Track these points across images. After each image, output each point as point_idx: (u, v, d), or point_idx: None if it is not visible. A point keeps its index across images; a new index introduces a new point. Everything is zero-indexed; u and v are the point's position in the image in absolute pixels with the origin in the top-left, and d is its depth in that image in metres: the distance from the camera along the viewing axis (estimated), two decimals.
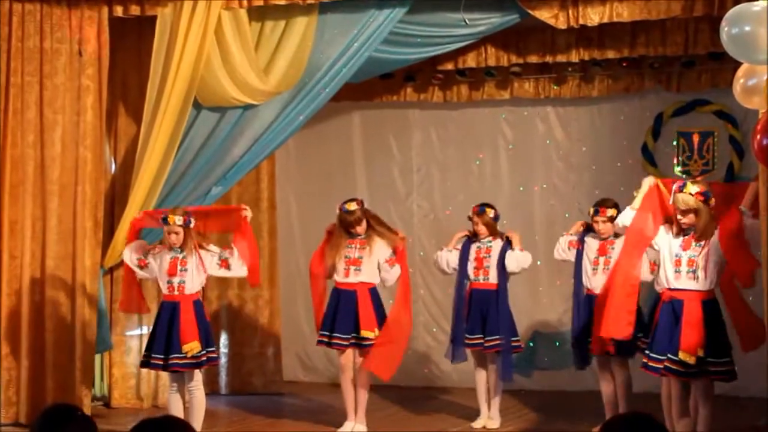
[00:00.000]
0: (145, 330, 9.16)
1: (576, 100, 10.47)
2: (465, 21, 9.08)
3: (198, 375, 7.73)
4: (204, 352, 7.63)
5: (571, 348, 8.33)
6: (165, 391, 8.81)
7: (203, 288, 8.11)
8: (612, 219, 7.92)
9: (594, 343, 7.83)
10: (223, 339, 10.23)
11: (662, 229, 7.07)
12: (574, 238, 8.22)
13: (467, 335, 8.53)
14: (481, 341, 8.47)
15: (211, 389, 9.72)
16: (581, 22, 8.79)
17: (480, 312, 8.48)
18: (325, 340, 8.40)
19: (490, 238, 8.54)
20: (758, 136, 6.34)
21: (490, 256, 8.51)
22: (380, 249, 8.36)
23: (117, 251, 9.10)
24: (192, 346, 7.56)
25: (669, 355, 6.83)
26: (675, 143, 10.24)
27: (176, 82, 8.72)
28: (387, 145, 11.02)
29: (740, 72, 6.60)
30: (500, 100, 10.62)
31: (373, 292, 8.40)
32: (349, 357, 8.40)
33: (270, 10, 8.90)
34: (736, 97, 6.72)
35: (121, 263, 9.32)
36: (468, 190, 10.63)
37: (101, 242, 9.06)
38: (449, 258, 8.65)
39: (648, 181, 7.17)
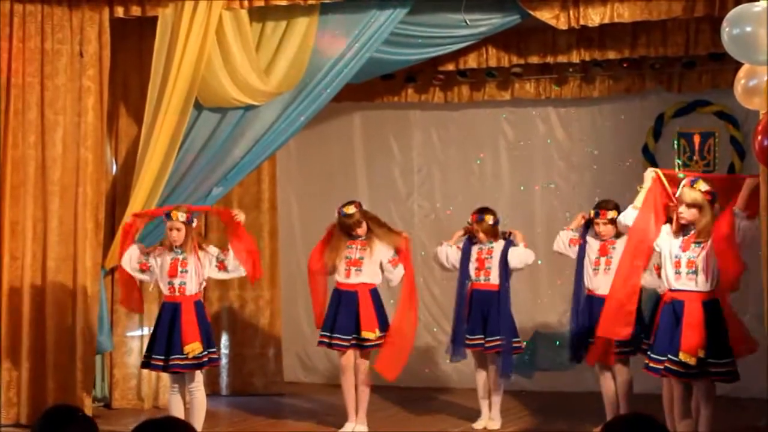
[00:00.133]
0: (146, 331, 9.16)
1: (577, 101, 10.48)
2: (466, 22, 9.08)
3: (199, 376, 7.73)
4: (206, 352, 7.63)
5: (569, 349, 8.34)
6: (166, 392, 8.81)
7: (204, 289, 8.09)
8: (613, 221, 7.92)
9: (596, 349, 7.82)
10: (224, 340, 10.23)
11: (664, 229, 7.06)
12: (576, 234, 8.22)
13: (468, 335, 8.53)
14: (482, 341, 8.47)
15: (212, 390, 9.72)
16: (582, 22, 8.79)
17: (481, 312, 8.49)
18: (326, 340, 8.40)
19: (492, 239, 8.54)
20: (759, 137, 6.34)
21: (491, 257, 8.51)
22: (381, 249, 8.37)
23: (118, 252, 9.10)
24: (193, 347, 7.55)
25: (670, 356, 6.82)
26: (676, 144, 10.24)
27: (177, 82, 8.73)
28: (388, 146, 11.03)
29: (741, 73, 6.60)
30: (501, 100, 10.63)
31: (374, 293, 8.40)
32: (350, 358, 8.40)
33: (271, 11, 8.90)
34: (737, 98, 6.72)
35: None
36: (469, 190, 10.64)
37: (102, 243, 9.06)
38: (449, 253, 8.65)
39: (650, 174, 7.14)
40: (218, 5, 8.69)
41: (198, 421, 7.65)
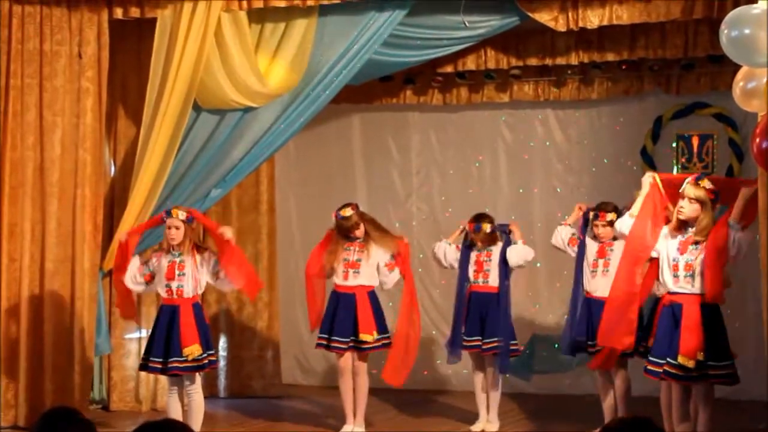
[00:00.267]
0: (144, 333, 9.15)
1: (575, 103, 10.48)
2: (464, 23, 9.09)
3: (197, 378, 7.71)
4: (205, 355, 7.62)
5: (562, 340, 8.34)
6: (164, 394, 8.80)
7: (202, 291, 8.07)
8: (611, 223, 7.92)
9: (600, 355, 7.79)
10: (222, 342, 10.21)
11: (662, 232, 7.04)
12: (574, 230, 8.20)
13: (466, 337, 8.53)
14: (480, 343, 8.47)
15: (210, 392, 9.71)
16: (581, 24, 8.79)
17: (479, 314, 8.48)
18: (324, 342, 8.41)
19: (490, 245, 8.54)
20: (758, 139, 6.34)
21: (490, 260, 8.51)
22: (378, 252, 8.37)
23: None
24: (192, 350, 7.54)
25: (668, 359, 6.80)
26: (674, 146, 10.24)
27: (176, 84, 8.72)
28: (386, 148, 11.03)
29: (740, 75, 6.60)
30: (500, 102, 10.63)
31: (372, 295, 8.40)
32: (348, 360, 8.40)
33: (270, 13, 8.90)
34: (735, 100, 6.72)
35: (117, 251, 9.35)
36: (467, 192, 10.64)
37: (100, 245, 9.06)
38: (447, 251, 8.65)
39: (647, 180, 7.12)
40: (217, 7, 8.68)
41: (196, 423, 7.63)
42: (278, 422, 9.19)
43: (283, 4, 8.64)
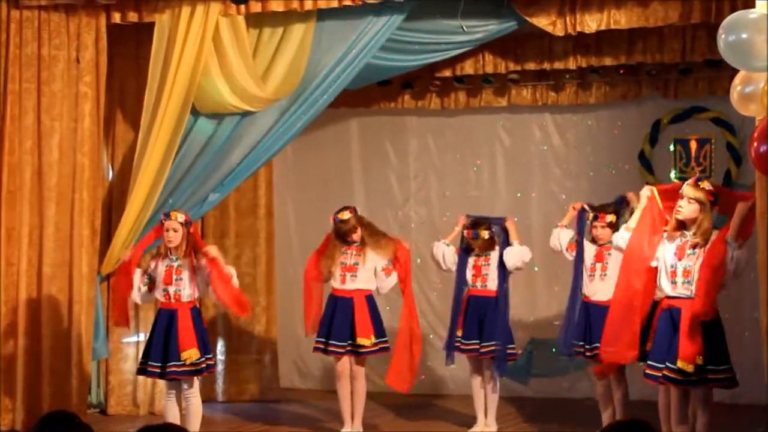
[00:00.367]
0: (142, 337, 9.15)
1: (573, 107, 10.48)
2: (463, 28, 9.09)
3: (195, 382, 7.71)
4: (203, 359, 7.61)
5: (558, 342, 8.34)
6: (161, 398, 8.79)
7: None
8: (611, 225, 7.93)
9: (599, 366, 7.79)
10: (220, 346, 10.20)
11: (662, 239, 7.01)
12: (571, 233, 8.18)
13: (463, 341, 8.52)
14: (477, 347, 8.47)
15: (208, 396, 9.70)
16: (579, 29, 8.80)
17: (477, 318, 8.48)
18: (322, 346, 8.41)
19: (489, 250, 8.54)
20: (755, 144, 6.35)
21: (488, 264, 8.52)
22: (376, 257, 8.37)
23: (114, 258, 9.10)
24: (191, 354, 7.54)
25: (668, 364, 6.80)
26: (672, 150, 10.25)
27: (174, 88, 8.73)
28: (384, 152, 11.03)
29: (737, 79, 6.61)
30: (498, 107, 10.63)
31: (370, 299, 8.41)
32: (346, 364, 8.40)
33: (268, 17, 8.90)
34: (733, 105, 6.73)
35: (119, 269, 9.34)
36: (465, 196, 10.64)
37: (98, 249, 9.06)
38: (446, 254, 8.64)
39: (646, 193, 7.09)
40: (215, 11, 8.69)
41: (194, 427, 7.64)
42: (276, 426, 9.18)
43: (281, 9, 8.64)
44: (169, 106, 8.77)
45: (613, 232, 7.97)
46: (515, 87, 10.45)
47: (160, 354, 7.59)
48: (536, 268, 9.98)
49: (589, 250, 8.09)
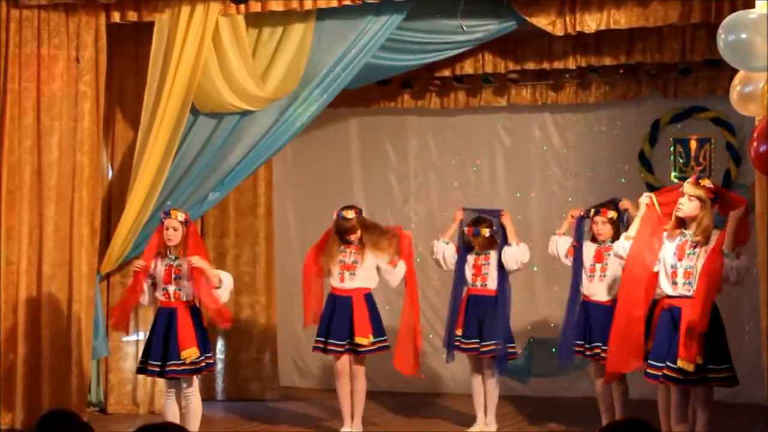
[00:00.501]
0: (142, 336, 9.14)
1: (573, 107, 10.48)
2: (462, 28, 9.09)
3: (195, 381, 7.71)
4: (202, 357, 7.61)
5: (558, 350, 8.33)
6: (161, 397, 8.80)
7: None
8: (611, 221, 7.95)
9: (607, 374, 7.76)
10: (220, 345, 10.21)
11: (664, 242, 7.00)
12: (571, 242, 8.20)
13: (463, 340, 8.52)
14: (477, 346, 8.47)
15: (208, 395, 9.71)
16: (578, 28, 8.80)
17: (477, 317, 8.48)
18: (321, 346, 8.42)
19: (489, 248, 8.54)
20: (755, 143, 6.35)
21: (488, 263, 8.52)
22: (375, 257, 8.37)
23: (113, 257, 9.11)
24: (190, 353, 7.53)
25: (668, 363, 6.79)
26: (672, 150, 10.25)
27: (173, 88, 8.73)
28: (384, 152, 11.03)
29: (737, 79, 6.61)
30: (497, 106, 10.63)
31: (369, 298, 8.41)
32: (345, 362, 8.40)
33: (267, 17, 8.90)
34: (732, 105, 6.73)
35: (118, 268, 9.36)
36: (465, 196, 10.64)
37: (98, 249, 9.06)
38: (446, 253, 8.64)
39: (644, 201, 7.04)
40: (215, 11, 8.69)
41: (193, 426, 7.64)
42: (276, 425, 9.18)
43: (280, 9, 8.64)
44: (168, 106, 8.77)
45: (614, 229, 7.98)
46: (515, 87, 10.45)
47: (159, 353, 7.59)
48: (535, 268, 9.98)
49: (589, 249, 8.09)
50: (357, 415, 8.46)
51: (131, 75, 9.54)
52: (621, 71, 9.97)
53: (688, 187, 6.87)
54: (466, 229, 8.58)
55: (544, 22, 8.86)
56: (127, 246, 9.11)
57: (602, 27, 8.76)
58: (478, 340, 8.45)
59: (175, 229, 7.61)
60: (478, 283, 8.54)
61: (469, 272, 8.56)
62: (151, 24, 8.89)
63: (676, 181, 9.91)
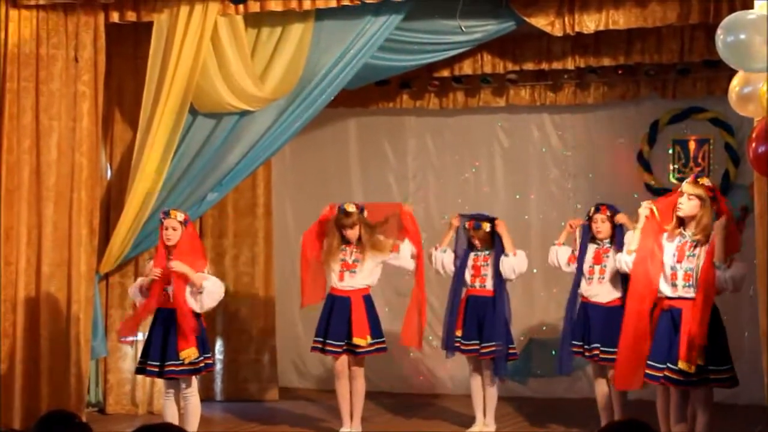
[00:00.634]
0: (141, 336, 9.13)
1: (572, 108, 10.48)
2: (461, 28, 9.09)
3: (194, 381, 7.70)
4: (201, 358, 7.60)
5: (558, 355, 8.33)
6: (160, 397, 8.79)
7: None
8: (611, 218, 7.95)
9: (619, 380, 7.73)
10: (219, 345, 10.21)
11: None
12: (569, 251, 8.20)
13: (463, 341, 8.52)
14: (477, 347, 8.47)
15: (206, 396, 9.70)
16: (577, 29, 8.80)
17: (476, 318, 8.48)
18: (319, 346, 8.41)
19: (488, 247, 8.54)
20: (754, 144, 6.35)
21: (487, 264, 8.51)
22: (376, 256, 8.37)
23: (112, 257, 9.11)
24: (189, 353, 7.53)
25: (669, 365, 6.78)
26: (670, 151, 10.25)
27: (172, 88, 8.73)
28: (383, 152, 11.03)
29: (735, 80, 6.60)
30: (496, 107, 10.63)
31: (368, 299, 8.41)
32: (344, 363, 8.40)
33: (266, 17, 8.90)
34: (731, 105, 6.73)
35: (117, 269, 9.36)
36: (464, 197, 10.64)
37: (97, 249, 9.06)
38: (444, 260, 8.65)
39: (644, 212, 7.03)
40: (213, 11, 8.69)
41: (192, 426, 7.63)
42: (274, 425, 9.18)
43: (279, 9, 8.64)
44: (167, 106, 8.77)
45: (613, 227, 7.98)
46: (514, 87, 10.45)
47: (158, 353, 7.59)
48: (535, 270, 9.96)
49: (589, 250, 8.08)
50: (356, 415, 8.46)
51: (130, 75, 9.53)
52: (620, 72, 9.98)
53: (686, 186, 6.87)
54: (467, 223, 8.58)
55: (543, 22, 8.86)
56: (125, 246, 9.11)
57: (601, 27, 8.76)
58: (477, 342, 8.45)
59: (174, 229, 7.59)
60: (477, 284, 8.54)
61: (468, 273, 8.56)
62: (149, 24, 8.89)
63: (675, 182, 9.92)
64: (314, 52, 8.97)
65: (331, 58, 8.96)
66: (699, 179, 6.93)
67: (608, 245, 8.01)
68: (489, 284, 8.49)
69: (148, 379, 9.11)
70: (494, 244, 8.51)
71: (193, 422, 7.67)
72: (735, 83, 6.57)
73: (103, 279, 9.33)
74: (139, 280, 7.80)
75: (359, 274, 8.34)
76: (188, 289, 7.47)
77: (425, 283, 10.53)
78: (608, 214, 8.00)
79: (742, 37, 6.19)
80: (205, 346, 7.69)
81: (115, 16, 8.94)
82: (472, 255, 8.58)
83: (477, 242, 8.55)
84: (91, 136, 9.03)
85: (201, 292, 7.48)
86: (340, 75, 9.01)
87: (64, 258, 8.89)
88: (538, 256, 9.56)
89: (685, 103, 10.14)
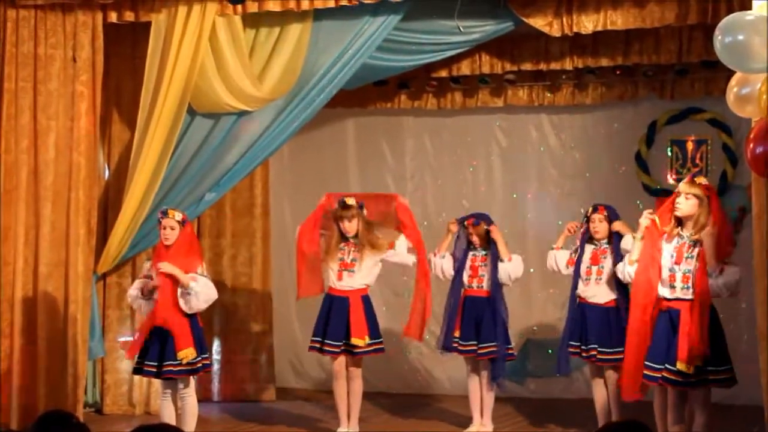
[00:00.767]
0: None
1: (570, 108, 10.48)
2: (459, 28, 9.09)
3: (191, 381, 7.70)
4: (199, 358, 7.60)
5: (558, 353, 8.33)
6: (157, 397, 8.78)
7: None
8: (608, 218, 7.95)
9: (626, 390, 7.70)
10: (216, 345, 10.20)
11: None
12: (567, 254, 8.20)
13: (461, 341, 8.52)
14: (475, 348, 8.46)
15: (204, 396, 9.69)
16: (575, 29, 8.80)
17: (474, 319, 8.48)
18: (317, 346, 8.41)
19: (487, 246, 8.54)
20: (751, 145, 6.35)
21: (485, 265, 8.52)
22: (374, 255, 8.37)
23: (110, 257, 9.11)
24: (187, 353, 7.52)
25: (667, 365, 6.77)
26: (668, 151, 10.25)
27: (170, 88, 8.73)
28: (381, 152, 11.03)
29: (733, 81, 6.61)
30: (494, 107, 10.63)
31: (366, 299, 8.40)
32: (342, 363, 8.40)
33: (264, 17, 8.90)
34: (729, 106, 6.73)
35: (115, 269, 9.36)
36: (462, 197, 10.64)
37: (94, 249, 9.05)
38: (444, 265, 8.65)
39: (645, 222, 7.02)
40: (212, 11, 8.69)
41: (189, 426, 7.63)
42: (272, 426, 9.18)
43: (278, 9, 8.64)
44: (165, 106, 8.76)
45: (610, 226, 7.98)
46: (512, 87, 10.45)
47: (156, 353, 7.58)
48: (532, 270, 9.96)
49: (586, 250, 8.08)
50: (353, 415, 8.46)
51: (128, 75, 9.53)
52: (618, 72, 9.98)
53: (684, 186, 6.87)
54: (466, 221, 8.57)
55: (541, 23, 8.85)
56: (123, 246, 9.10)
57: (599, 28, 8.76)
58: (475, 342, 8.45)
59: (172, 229, 7.59)
60: (474, 284, 8.54)
61: (465, 273, 8.56)
62: (148, 24, 8.88)
63: (674, 183, 9.92)
64: (312, 52, 8.97)
65: (329, 58, 8.96)
66: (696, 178, 6.93)
67: (605, 246, 8.01)
68: (486, 285, 8.49)
69: (145, 379, 9.11)
70: (491, 245, 8.52)
71: (190, 422, 7.66)
72: (733, 84, 6.58)
73: (101, 279, 9.32)
74: (137, 282, 7.79)
75: (357, 274, 8.34)
76: (179, 290, 7.47)
77: None
78: (605, 214, 7.99)
79: (741, 37, 6.20)
80: (202, 347, 7.69)
81: (113, 16, 8.93)
82: (470, 255, 8.58)
83: (476, 239, 8.54)
84: (89, 136, 9.02)
85: (189, 293, 7.47)
86: (338, 75, 9.01)
87: (62, 258, 8.88)
88: (536, 256, 9.56)
89: (683, 104, 10.14)
